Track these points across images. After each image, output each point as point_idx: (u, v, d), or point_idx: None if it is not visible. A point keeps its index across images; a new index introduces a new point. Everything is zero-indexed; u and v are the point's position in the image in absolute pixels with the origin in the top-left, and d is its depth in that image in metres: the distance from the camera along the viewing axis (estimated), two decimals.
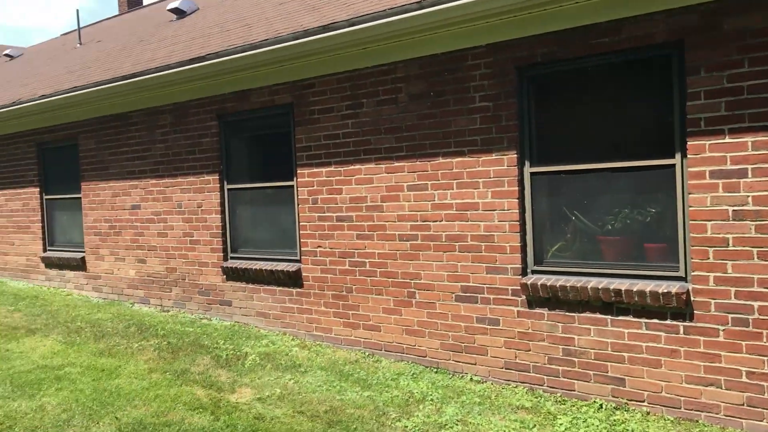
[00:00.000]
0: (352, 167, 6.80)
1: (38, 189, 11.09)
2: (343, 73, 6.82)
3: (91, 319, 8.47)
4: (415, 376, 6.05)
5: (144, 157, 9.11)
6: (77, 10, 16.46)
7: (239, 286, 8.06)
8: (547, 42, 5.42)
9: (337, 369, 6.26)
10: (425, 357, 6.36)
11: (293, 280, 7.42)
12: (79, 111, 9.93)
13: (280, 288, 7.60)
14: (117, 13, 22.93)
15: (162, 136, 8.85)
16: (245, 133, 8.15)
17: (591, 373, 5.34)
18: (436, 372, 6.17)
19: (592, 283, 5.26)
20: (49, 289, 10.83)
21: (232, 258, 8.24)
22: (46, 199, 11.08)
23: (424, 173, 6.25)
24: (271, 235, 7.87)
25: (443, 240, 6.17)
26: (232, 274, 8.12)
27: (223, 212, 8.24)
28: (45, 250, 11.15)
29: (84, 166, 10.07)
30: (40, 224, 11.12)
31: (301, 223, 7.34)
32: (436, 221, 6.20)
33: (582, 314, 5.36)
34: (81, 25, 18.06)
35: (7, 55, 20.66)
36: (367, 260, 6.76)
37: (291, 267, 7.45)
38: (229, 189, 8.21)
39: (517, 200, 5.68)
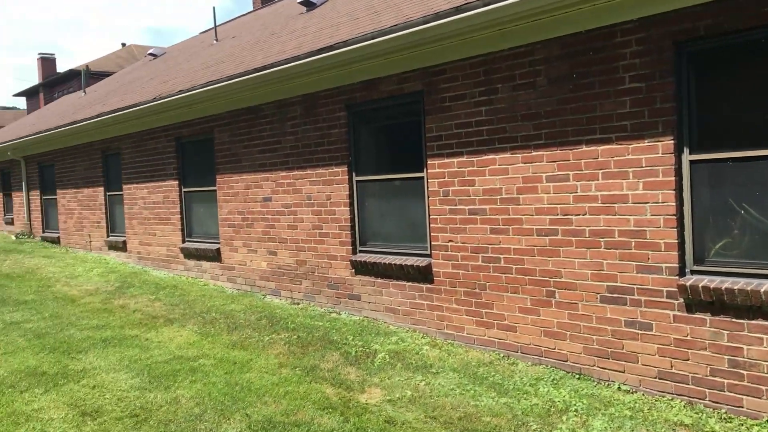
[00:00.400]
0: (486, 157, 6.40)
1: (177, 182, 11.49)
2: (476, 58, 6.43)
3: (225, 310, 8.61)
4: (555, 382, 5.60)
5: (275, 150, 9.14)
6: (213, 8, 17.01)
7: (368, 280, 7.89)
8: (712, 12, 4.78)
9: (470, 371, 5.91)
10: (566, 362, 5.88)
11: (423, 275, 7.14)
12: (213, 105, 10.14)
13: (410, 283, 7.34)
14: (251, 9, 23.59)
15: (292, 128, 8.83)
16: (374, 123, 7.95)
17: (764, 388, 4.67)
18: (578, 378, 5.68)
19: (766, 286, 4.59)
20: (187, 279, 11.20)
21: (361, 251, 8.08)
22: (184, 191, 11.45)
23: (566, 163, 5.76)
24: (400, 229, 7.63)
25: (587, 235, 5.65)
26: (361, 268, 7.96)
27: (351, 204, 8.09)
28: (183, 241, 11.54)
29: (218, 158, 10.29)
30: (179, 216, 11.52)
31: (431, 217, 7.04)
32: (579, 215, 5.70)
33: (753, 321, 4.69)
34: (217, 23, 18.67)
35: (150, 54, 21.81)
36: (501, 256, 6.35)
37: (421, 262, 7.17)
38: (357, 181, 8.04)
39: (673, 192, 5.08)
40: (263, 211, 9.48)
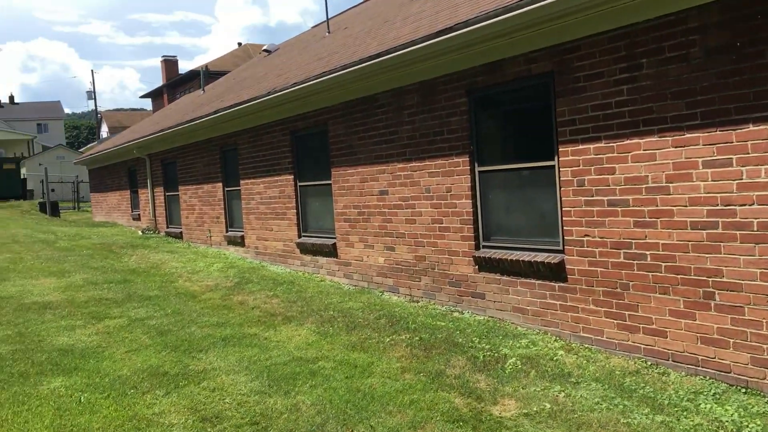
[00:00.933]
0: (628, 141, 5.72)
1: (292, 176, 11.38)
2: (615, 31, 5.75)
3: (342, 308, 8.35)
4: (717, 397, 4.88)
5: (391, 141, 8.76)
6: (325, 1, 16.90)
7: (493, 277, 7.36)
8: None
9: (615, 381, 5.29)
10: (729, 373, 5.13)
11: (555, 273, 6.54)
12: (328, 96, 9.90)
13: (540, 281, 6.76)
14: (361, 0, 23.40)
15: (408, 117, 8.42)
16: (497, 109, 7.40)
17: None
18: (744, 393, 4.94)
19: None
20: (304, 275, 11.08)
21: (484, 247, 7.56)
22: (299, 186, 11.33)
23: (727, 145, 5.00)
24: (527, 222, 7.05)
25: (755, 228, 4.89)
26: (484, 265, 7.45)
27: (473, 197, 7.59)
28: (300, 236, 11.43)
29: (333, 151, 10.05)
30: (295, 211, 11.42)
31: (563, 209, 6.42)
32: (745, 205, 4.93)
33: None
34: (329, 16, 18.59)
35: (265, 50, 22.13)
36: (647, 252, 5.66)
37: (552, 258, 6.57)
38: (480, 171, 7.53)
39: None
40: (380, 205, 9.15)
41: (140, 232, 18.69)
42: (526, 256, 6.85)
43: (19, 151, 53.40)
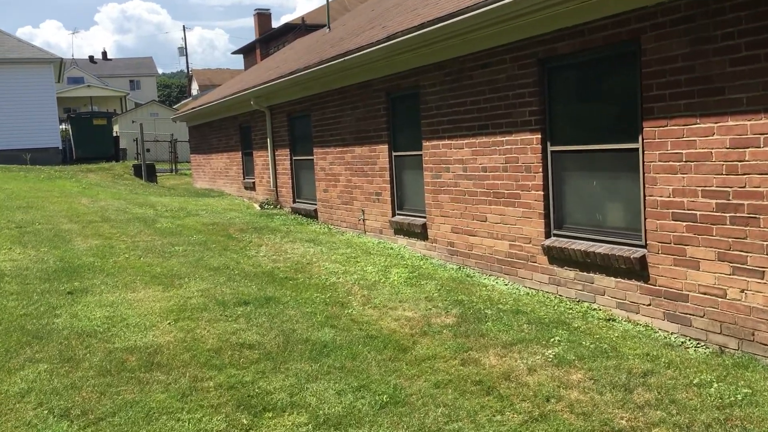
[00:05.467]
0: None
1: (538, 135, 6.88)
2: None
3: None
4: None
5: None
6: None
7: None
8: None
9: None
10: None
11: None
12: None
13: None
14: None
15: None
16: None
17: None
18: None
19: None
20: (566, 304, 6.62)
21: None
22: (551, 151, 6.82)
23: None
24: None
25: None
26: None
27: None
28: (548, 235, 6.94)
29: (655, 91, 5.46)
30: (541, 192, 6.92)
31: None
32: None
33: None
34: None
35: None
36: None
37: None
38: None
39: None
40: None
41: (257, 207, 14.65)
42: None
43: (111, 108, 51.05)
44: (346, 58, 9.76)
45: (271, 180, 14.66)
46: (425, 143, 8.84)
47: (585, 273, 6.45)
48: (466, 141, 8.01)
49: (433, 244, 8.92)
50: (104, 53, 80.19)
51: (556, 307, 6.48)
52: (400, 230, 9.69)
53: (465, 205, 8.16)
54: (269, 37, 57.24)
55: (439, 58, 8.33)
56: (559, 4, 6.00)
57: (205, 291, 7.38)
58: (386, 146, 9.89)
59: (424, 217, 9.13)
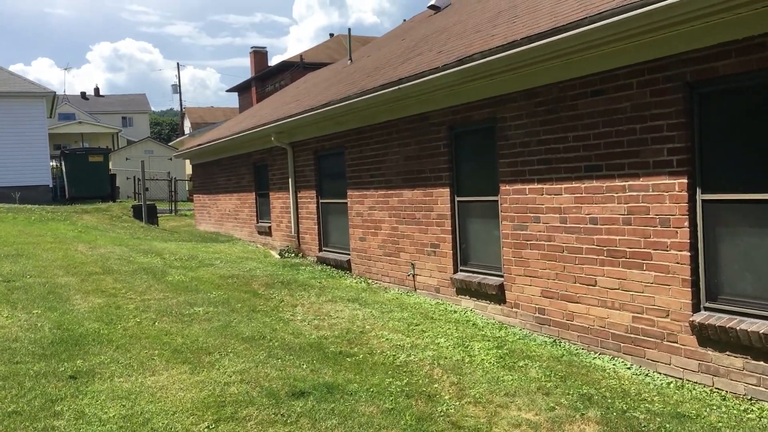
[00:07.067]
0: None
1: (682, 179, 5.37)
2: None
3: None
4: None
5: None
6: None
7: None
8: None
9: None
10: None
11: None
12: None
13: None
14: None
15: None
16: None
17: None
18: None
19: None
20: (731, 403, 5.03)
21: None
22: (702, 199, 5.31)
23: None
24: None
25: None
26: None
27: None
28: (698, 309, 5.38)
29: None
30: (686, 252, 5.38)
31: None
32: None
33: None
34: None
35: (432, 6, 16.29)
36: None
37: None
38: None
39: None
40: None
41: (276, 255, 13.03)
42: None
43: (103, 145, 49.40)
44: (400, 86, 8.29)
45: (293, 225, 13.07)
46: (504, 187, 7.33)
47: (761, 363, 4.89)
48: (565, 185, 6.50)
49: (514, 310, 7.35)
50: (96, 89, 78.88)
51: (728, 410, 4.89)
52: (465, 290, 8.11)
53: (563, 264, 6.62)
54: (265, 75, 56.32)
55: (526, 85, 6.87)
56: (746, 4, 4.53)
57: (245, 373, 5.76)
58: (447, 189, 8.37)
59: (501, 276, 7.57)
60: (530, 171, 6.95)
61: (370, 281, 10.34)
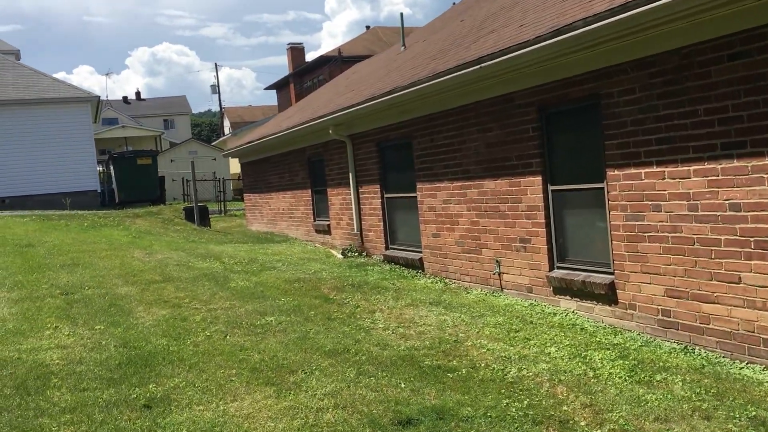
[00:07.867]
0: None
1: None
2: None
3: None
4: None
5: None
6: None
7: None
8: None
9: None
10: None
11: None
12: None
13: None
14: None
15: None
16: None
17: None
18: None
19: None
20: None
21: None
22: None
23: None
24: None
25: None
26: None
27: None
28: None
29: None
30: None
31: None
32: None
33: None
34: None
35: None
36: None
37: None
38: None
39: None
40: None
41: (338, 255, 12.31)
42: None
43: (147, 148, 49.52)
44: (482, 65, 7.45)
45: (354, 222, 12.33)
46: (612, 172, 6.45)
47: None
48: (695, 167, 5.59)
49: (629, 311, 6.46)
50: (138, 93, 79.56)
51: None
52: (566, 289, 7.25)
53: (694, 259, 5.71)
54: (303, 71, 55.99)
55: (638, 54, 5.97)
56: None
57: (338, 396, 5.04)
58: (538, 178, 7.51)
59: (610, 273, 6.69)
60: (646, 152, 6.06)
61: (447, 281, 9.53)
